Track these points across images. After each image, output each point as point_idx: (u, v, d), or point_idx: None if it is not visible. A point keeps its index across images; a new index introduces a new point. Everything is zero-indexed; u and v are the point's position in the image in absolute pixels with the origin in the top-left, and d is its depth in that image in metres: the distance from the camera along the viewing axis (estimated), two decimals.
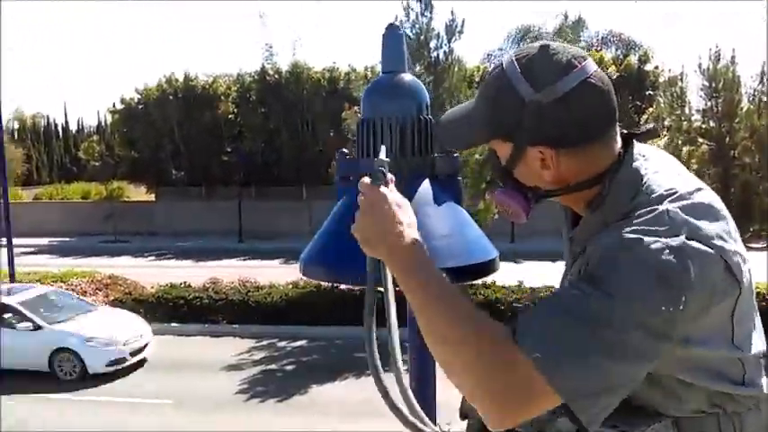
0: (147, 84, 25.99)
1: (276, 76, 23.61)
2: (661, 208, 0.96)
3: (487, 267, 1.19)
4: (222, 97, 25.19)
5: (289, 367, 9.52)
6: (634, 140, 1.08)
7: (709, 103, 11.42)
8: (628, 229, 0.95)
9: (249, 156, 23.36)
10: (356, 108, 13.21)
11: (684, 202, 0.97)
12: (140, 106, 25.78)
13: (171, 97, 25.18)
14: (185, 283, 12.73)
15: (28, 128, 51.00)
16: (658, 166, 1.06)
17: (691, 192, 1.00)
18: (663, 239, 0.91)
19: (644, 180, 1.03)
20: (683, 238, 0.91)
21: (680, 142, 11.75)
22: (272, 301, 11.52)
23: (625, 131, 1.08)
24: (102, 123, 43.24)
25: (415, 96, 1.21)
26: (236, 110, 25.02)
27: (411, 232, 1.03)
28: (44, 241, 24.07)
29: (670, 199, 0.98)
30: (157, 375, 9.22)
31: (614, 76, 22.27)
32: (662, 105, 12.29)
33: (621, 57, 23.76)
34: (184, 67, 30.37)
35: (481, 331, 0.94)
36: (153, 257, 20.97)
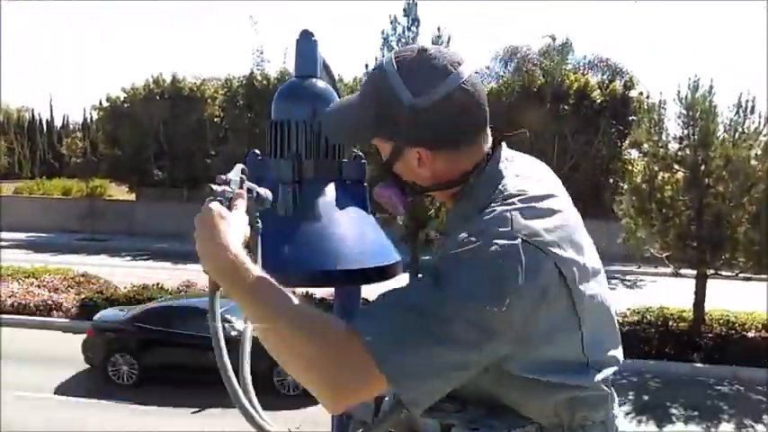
0: (134, 83, 25.94)
1: (264, 82, 23.67)
2: (506, 209, 1.01)
3: (389, 271, 1.22)
4: (209, 100, 25.19)
5: None
6: (503, 144, 1.14)
7: (685, 131, 11.58)
8: (472, 228, 1.00)
9: (233, 159, 23.34)
10: None
11: (530, 205, 1.02)
12: (126, 105, 25.71)
13: (157, 98, 25.14)
14: (159, 284, 12.65)
15: (12, 121, 50.58)
16: (520, 170, 1.11)
17: (542, 196, 1.05)
18: (500, 241, 0.95)
19: (503, 181, 1.08)
20: (518, 241, 0.96)
21: (656, 168, 11.91)
22: None
23: (495, 134, 1.13)
24: (88, 120, 42.94)
25: (326, 101, 1.25)
26: (222, 113, 25.01)
27: (225, 242, 1.04)
28: (21, 236, 23.84)
29: (519, 199, 1.03)
30: None
31: (599, 100, 22.56)
32: (640, 131, 12.44)
33: (607, 82, 24.03)
34: (173, 69, 30.31)
35: (316, 320, 0.98)
36: (130, 257, 20.82)
